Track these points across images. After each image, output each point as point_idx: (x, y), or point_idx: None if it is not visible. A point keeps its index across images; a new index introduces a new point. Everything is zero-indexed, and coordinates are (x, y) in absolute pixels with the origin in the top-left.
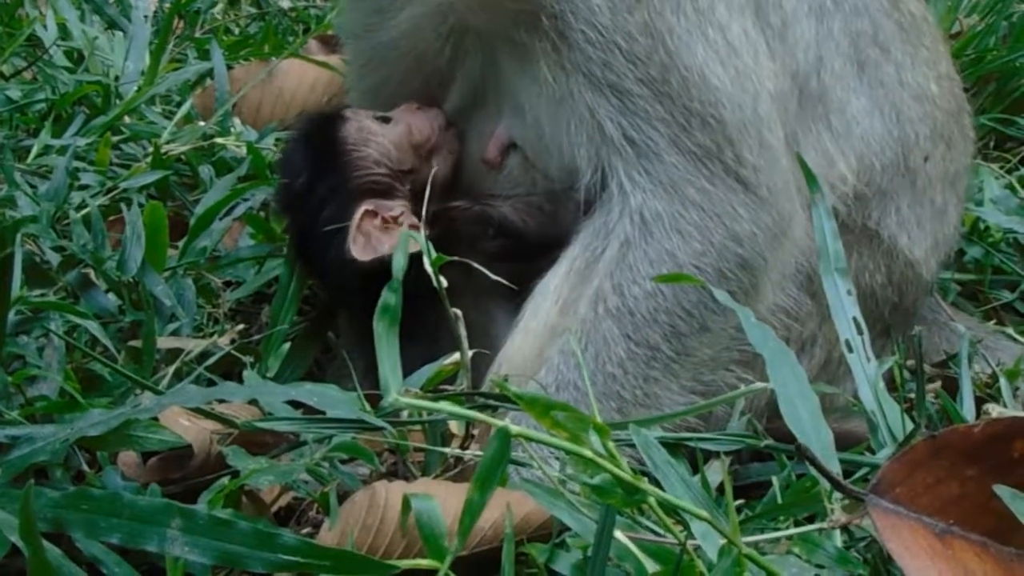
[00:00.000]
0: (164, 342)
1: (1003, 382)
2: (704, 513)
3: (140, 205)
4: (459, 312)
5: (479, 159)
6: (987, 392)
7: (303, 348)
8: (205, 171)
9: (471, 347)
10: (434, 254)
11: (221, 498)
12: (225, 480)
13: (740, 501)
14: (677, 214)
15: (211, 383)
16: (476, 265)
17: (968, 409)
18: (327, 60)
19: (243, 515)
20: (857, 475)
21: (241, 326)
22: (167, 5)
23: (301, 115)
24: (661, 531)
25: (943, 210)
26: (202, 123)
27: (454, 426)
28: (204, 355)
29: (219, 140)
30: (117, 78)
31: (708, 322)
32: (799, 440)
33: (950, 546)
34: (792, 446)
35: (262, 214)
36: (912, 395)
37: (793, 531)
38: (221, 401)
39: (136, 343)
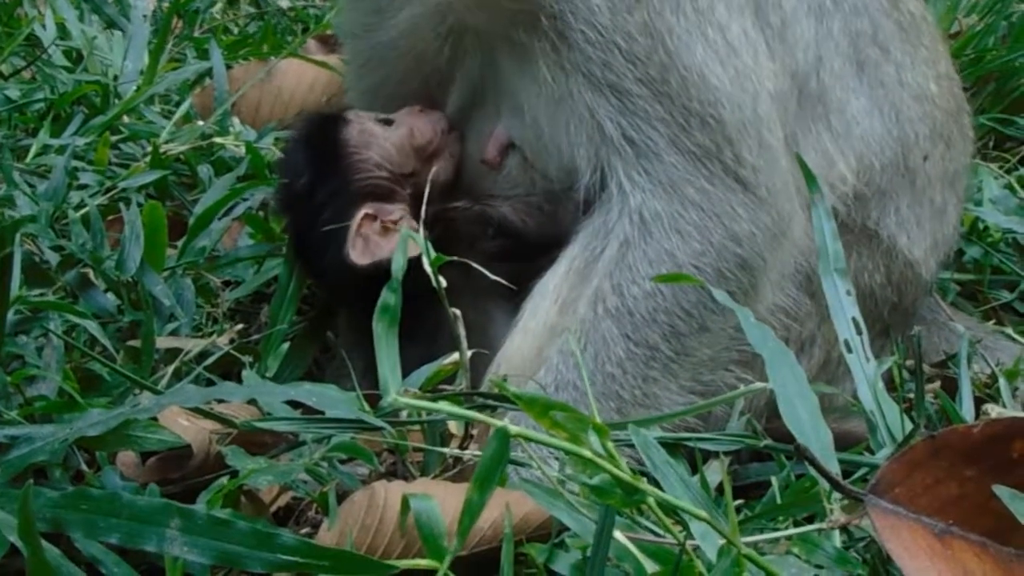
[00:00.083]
0: (163, 342)
1: (1002, 382)
2: (703, 513)
3: (139, 205)
4: (458, 312)
5: (478, 159)
6: (986, 392)
7: (302, 348)
8: (204, 171)
9: (470, 347)
10: (433, 254)
11: (220, 498)
12: (224, 480)
13: (739, 501)
14: (676, 214)
15: (210, 383)
16: (475, 265)
17: (967, 409)
18: (326, 60)
19: (242, 515)
20: (856, 475)
21: (240, 326)
22: (166, 5)
23: (301, 116)
24: (660, 531)
25: (942, 210)
26: (201, 123)
27: (453, 426)
28: (203, 355)
29: (218, 140)
30: (116, 78)
31: (707, 322)
32: (798, 440)
33: (949, 546)
34: (791, 446)
35: (261, 214)
36: (911, 395)
37: (792, 531)
38: (220, 401)
39: (135, 343)
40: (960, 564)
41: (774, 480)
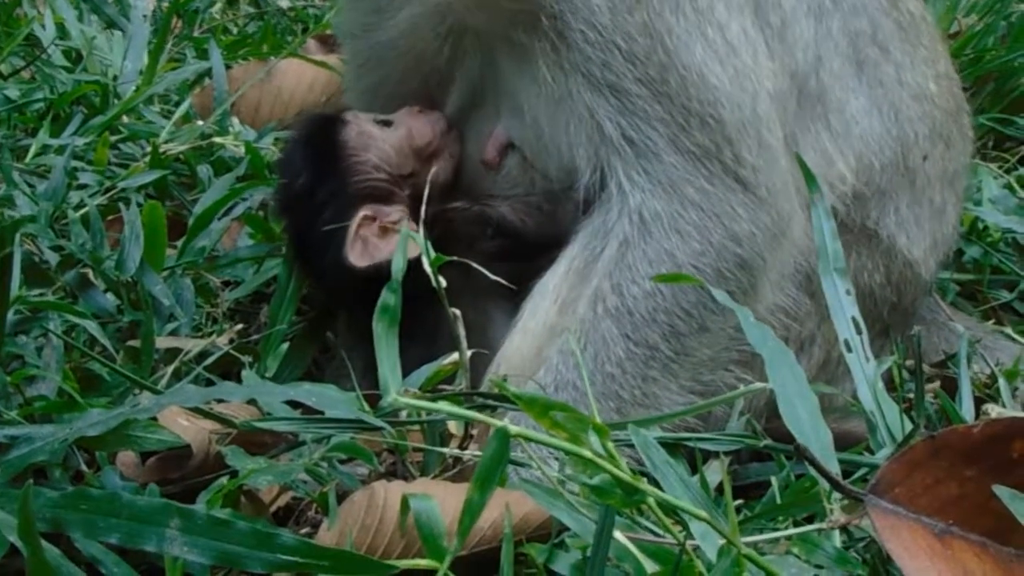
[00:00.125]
0: (163, 342)
1: (1002, 382)
2: (703, 513)
3: (138, 205)
4: (458, 312)
5: (478, 159)
6: (986, 392)
7: (302, 348)
8: (203, 171)
9: (470, 347)
10: (433, 254)
11: (220, 498)
12: (224, 480)
13: (739, 501)
14: (676, 214)
15: (210, 383)
16: (475, 265)
17: (967, 409)
18: (325, 60)
19: (242, 515)
20: (856, 475)
21: (240, 326)
22: (165, 4)
23: (301, 116)
24: (660, 531)
25: (942, 210)
26: (200, 123)
27: (453, 426)
28: (203, 355)
29: (217, 140)
30: (115, 77)
31: (707, 322)
32: (798, 440)
33: (949, 546)
34: (791, 446)
35: (261, 214)
36: (911, 395)
37: (792, 531)
38: (220, 401)
39: (135, 343)
40: (960, 564)
41: (774, 480)
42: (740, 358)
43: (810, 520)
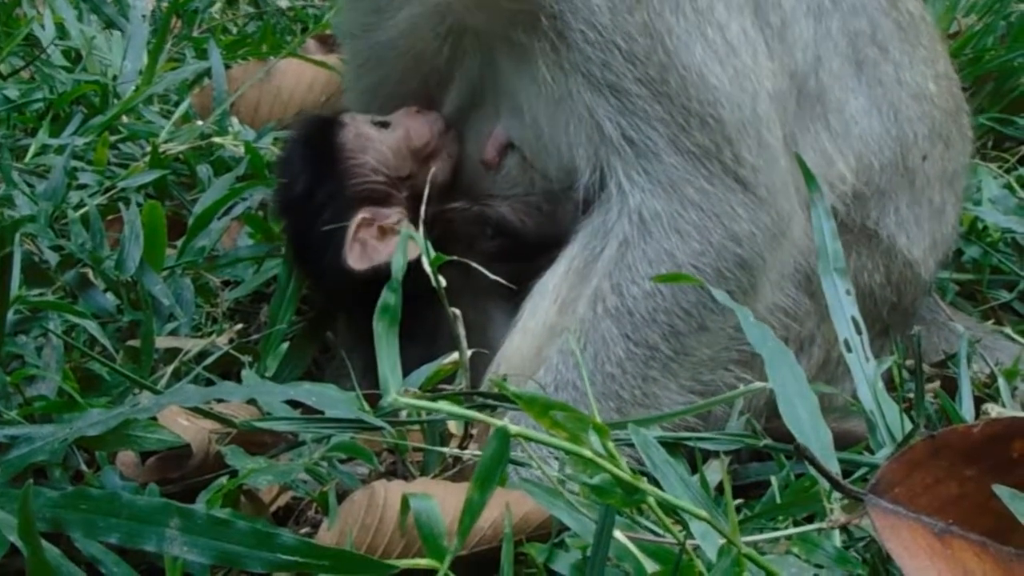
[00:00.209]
0: (162, 341)
1: (1002, 382)
2: (703, 513)
3: (138, 204)
4: (458, 312)
5: (477, 160)
6: (986, 392)
7: (301, 348)
8: (203, 170)
9: (470, 347)
10: (433, 254)
11: (220, 498)
12: (224, 480)
13: (739, 501)
14: (676, 214)
15: (209, 383)
16: (475, 265)
17: (967, 409)
18: (325, 60)
19: (242, 515)
20: (856, 475)
21: (239, 326)
22: (165, 4)
23: (299, 118)
24: (660, 531)
25: (941, 210)
26: (200, 122)
27: (453, 426)
28: (202, 355)
29: (217, 139)
30: (115, 77)
31: (707, 322)
32: (798, 440)
33: (949, 546)
34: (791, 446)
35: (260, 213)
36: (911, 395)
37: (792, 531)
38: (219, 401)
39: (134, 343)
40: (960, 563)
41: (774, 480)
42: (740, 358)
43: (810, 520)
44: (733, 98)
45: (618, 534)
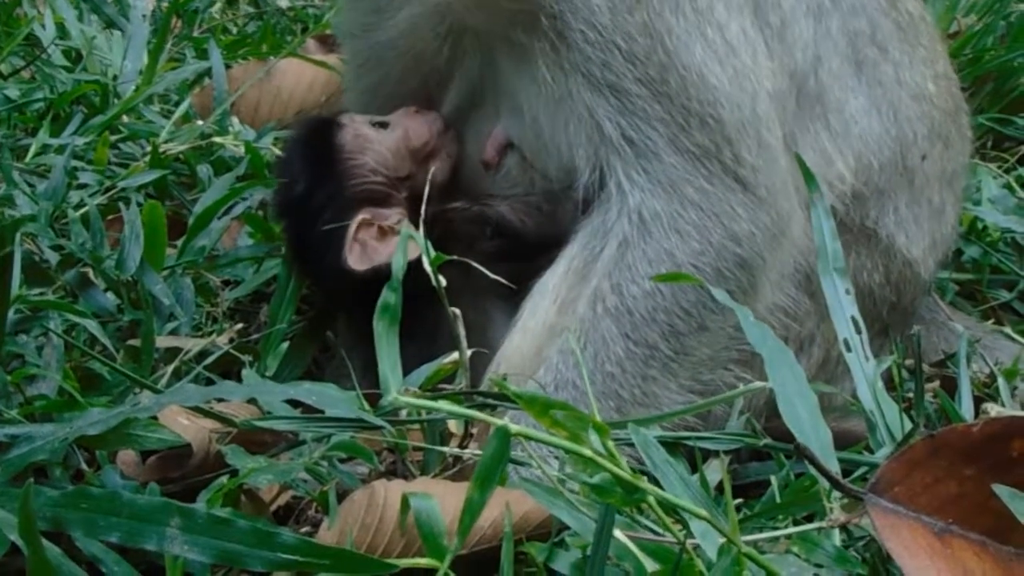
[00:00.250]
0: (163, 341)
1: (1001, 381)
2: (703, 512)
3: (138, 204)
4: (458, 311)
5: (477, 159)
6: (985, 391)
7: (302, 347)
8: (203, 170)
9: (470, 346)
10: (433, 254)
11: (220, 497)
12: (224, 479)
13: (739, 500)
14: (676, 214)
15: (210, 382)
16: (475, 265)
17: (967, 408)
18: (325, 59)
19: (242, 514)
20: (856, 474)
21: (240, 325)
22: (165, 4)
23: (298, 119)
24: (660, 530)
25: (941, 209)
26: (200, 122)
27: (453, 425)
28: (203, 354)
29: (217, 139)
30: (115, 77)
31: (707, 321)
32: (798, 439)
33: (949, 545)
34: (791, 445)
35: (260, 213)
36: (911, 394)
37: (792, 530)
38: (220, 400)
39: (135, 342)
40: (960, 563)
41: (774, 479)
42: (740, 357)
43: (810, 519)
44: (733, 98)
45: (618, 533)
